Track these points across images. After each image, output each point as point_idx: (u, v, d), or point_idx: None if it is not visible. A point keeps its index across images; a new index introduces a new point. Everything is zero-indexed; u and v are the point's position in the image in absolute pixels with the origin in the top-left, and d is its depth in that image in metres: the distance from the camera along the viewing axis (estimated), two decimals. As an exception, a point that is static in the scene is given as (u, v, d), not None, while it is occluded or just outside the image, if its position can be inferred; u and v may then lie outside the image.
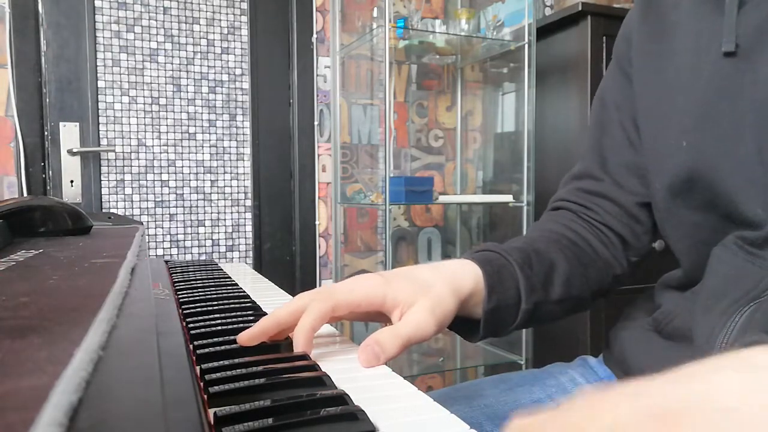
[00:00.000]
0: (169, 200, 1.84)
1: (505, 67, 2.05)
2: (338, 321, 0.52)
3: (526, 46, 1.77)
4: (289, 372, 0.39)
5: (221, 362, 0.39)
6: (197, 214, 1.87)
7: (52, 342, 0.23)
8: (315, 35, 1.93)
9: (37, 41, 1.66)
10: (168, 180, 1.83)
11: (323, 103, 1.95)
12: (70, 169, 1.72)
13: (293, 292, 0.59)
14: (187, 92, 1.85)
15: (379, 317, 0.52)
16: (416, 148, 2.08)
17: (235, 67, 1.90)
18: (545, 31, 1.82)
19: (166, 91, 1.82)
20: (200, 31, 1.86)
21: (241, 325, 0.48)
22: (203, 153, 1.87)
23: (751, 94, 0.48)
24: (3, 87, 1.60)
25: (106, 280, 0.35)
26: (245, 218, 1.93)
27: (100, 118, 1.74)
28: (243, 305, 0.57)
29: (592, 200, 0.66)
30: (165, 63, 1.81)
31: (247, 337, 0.44)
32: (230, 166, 1.91)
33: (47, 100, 1.68)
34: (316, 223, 1.95)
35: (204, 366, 0.38)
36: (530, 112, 1.78)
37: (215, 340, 0.45)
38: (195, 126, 1.86)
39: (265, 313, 0.55)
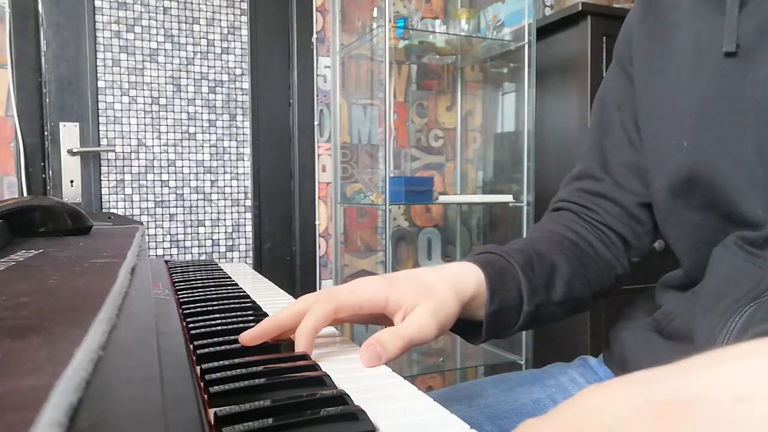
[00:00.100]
0: (169, 200, 1.84)
1: (505, 67, 2.05)
2: (340, 324, 0.52)
3: (526, 46, 1.77)
4: (290, 372, 0.39)
5: (221, 362, 0.39)
6: (197, 214, 1.87)
7: (52, 342, 0.23)
8: (315, 35, 1.93)
9: (37, 41, 1.66)
10: (168, 180, 1.83)
11: (323, 103, 1.95)
12: (70, 169, 1.71)
13: (293, 292, 0.59)
14: (187, 92, 1.85)
15: (382, 320, 0.52)
16: (416, 148, 2.08)
17: (235, 67, 1.90)
18: (545, 31, 1.82)
19: (166, 91, 1.82)
20: (200, 31, 1.86)
21: (241, 325, 0.48)
22: (203, 153, 1.87)
23: (751, 95, 0.48)
24: (3, 87, 1.60)
25: (106, 280, 0.35)
26: (245, 218, 1.93)
27: (100, 118, 1.74)
28: (243, 305, 0.57)
29: (593, 201, 0.66)
30: (165, 63, 1.81)
31: (248, 338, 0.44)
32: (230, 166, 1.91)
33: (47, 100, 1.68)
34: (316, 223, 1.95)
35: (204, 366, 0.38)
36: (530, 112, 1.78)
37: (215, 340, 0.45)
38: (195, 126, 1.86)
39: (265, 314, 0.55)
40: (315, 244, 1.95)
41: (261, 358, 0.41)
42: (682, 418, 0.18)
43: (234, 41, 1.90)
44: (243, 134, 1.92)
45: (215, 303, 0.58)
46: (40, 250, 0.50)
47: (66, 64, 1.69)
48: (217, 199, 1.90)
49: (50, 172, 1.69)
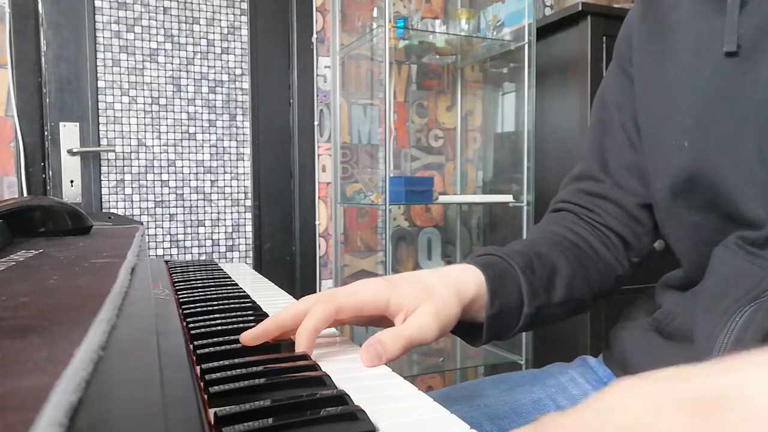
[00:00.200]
0: (169, 200, 1.84)
1: (505, 67, 2.05)
2: (341, 325, 0.52)
3: (526, 46, 1.77)
4: (290, 372, 0.39)
5: (221, 362, 0.39)
6: (197, 214, 1.87)
7: (52, 342, 0.23)
8: (315, 35, 1.93)
9: (37, 41, 1.66)
10: (168, 180, 1.83)
11: (323, 103, 1.95)
12: (70, 169, 1.71)
13: (293, 292, 0.59)
14: (187, 92, 1.85)
15: (383, 322, 0.52)
16: (416, 148, 2.08)
17: (235, 67, 1.90)
18: (545, 31, 1.82)
19: (166, 91, 1.82)
20: (200, 31, 1.86)
21: (241, 325, 0.48)
22: (203, 153, 1.87)
23: (752, 95, 0.48)
24: (3, 87, 1.60)
25: (106, 280, 0.35)
26: (245, 218, 1.93)
27: (100, 118, 1.74)
28: (243, 305, 0.57)
29: (593, 202, 0.66)
30: (165, 63, 1.81)
31: (249, 338, 0.44)
32: (230, 166, 1.91)
33: (47, 100, 1.68)
34: (316, 223, 1.95)
35: (204, 366, 0.38)
36: (530, 112, 1.78)
37: (215, 340, 0.45)
38: (195, 126, 1.86)
39: (265, 314, 0.55)
40: (315, 244, 1.95)
41: (261, 358, 0.41)
42: (715, 415, 0.18)
43: (234, 41, 1.90)
44: (243, 134, 1.92)
45: (215, 303, 0.58)
46: (40, 250, 0.50)
47: (66, 64, 1.69)
48: (217, 199, 1.90)
49: (50, 172, 1.69)
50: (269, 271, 1.90)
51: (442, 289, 0.51)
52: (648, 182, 0.61)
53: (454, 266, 0.56)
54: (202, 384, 0.36)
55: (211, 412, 0.31)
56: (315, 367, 0.40)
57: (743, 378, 0.20)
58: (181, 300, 0.59)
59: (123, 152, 1.78)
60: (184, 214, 1.85)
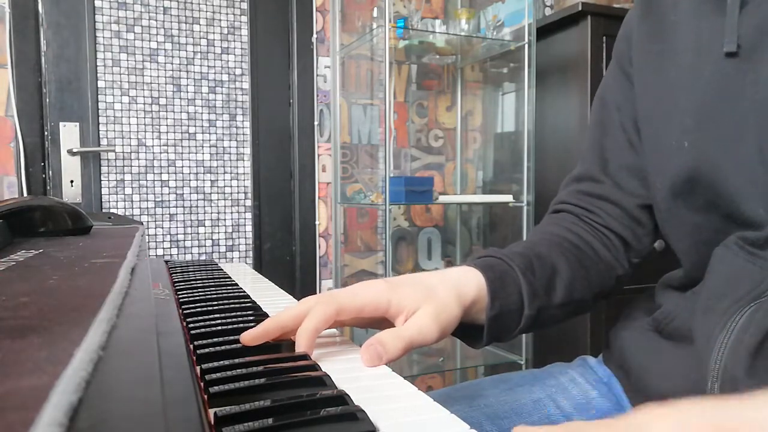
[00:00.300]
0: (169, 200, 1.84)
1: (505, 67, 2.05)
2: (342, 326, 0.52)
3: (526, 46, 1.77)
4: (290, 372, 0.39)
5: (221, 362, 0.39)
6: (197, 214, 1.87)
7: (52, 342, 0.23)
8: (315, 35, 1.93)
9: (37, 41, 1.66)
10: (168, 180, 1.83)
11: (323, 103, 1.95)
12: (70, 169, 1.71)
13: (293, 292, 0.59)
14: (187, 92, 1.85)
15: (383, 324, 0.52)
16: (416, 148, 2.08)
17: (235, 67, 1.90)
18: (545, 31, 1.82)
19: (166, 91, 1.82)
20: (200, 31, 1.86)
21: (242, 325, 0.48)
22: (203, 153, 1.87)
23: (752, 95, 0.48)
24: (3, 87, 1.60)
25: (106, 280, 0.35)
26: (245, 218, 1.93)
27: (100, 118, 1.74)
28: (243, 305, 0.57)
29: (593, 203, 0.66)
30: (165, 63, 1.81)
31: (250, 337, 0.44)
32: (230, 166, 1.91)
33: (47, 100, 1.68)
34: (316, 223, 1.95)
35: (204, 366, 0.38)
36: (530, 112, 1.78)
37: (215, 340, 0.45)
38: (195, 126, 1.86)
39: (265, 314, 0.55)
40: (315, 244, 1.95)
41: (261, 358, 0.41)
42: None
43: (234, 41, 1.90)
44: (243, 134, 1.92)
45: (215, 303, 0.58)
46: (40, 250, 0.50)
47: (66, 64, 1.69)
48: (217, 199, 1.90)
49: (50, 172, 1.69)
50: (269, 271, 1.90)
51: (442, 291, 0.51)
52: (648, 183, 0.61)
53: (454, 268, 0.56)
54: (202, 384, 0.36)
55: (211, 412, 0.31)
56: (315, 367, 0.40)
57: (765, 413, 0.21)
58: (181, 300, 0.59)
59: (123, 152, 1.78)
60: (184, 214, 1.85)
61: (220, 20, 1.88)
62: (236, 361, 0.40)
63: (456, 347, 2.06)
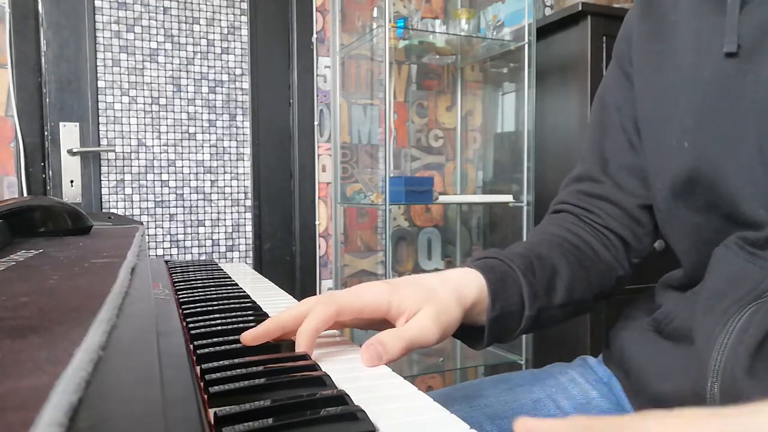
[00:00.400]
0: (169, 200, 1.84)
1: (505, 67, 2.05)
2: (342, 327, 0.52)
3: (526, 46, 1.77)
4: (290, 372, 0.39)
5: (221, 362, 0.39)
6: (197, 214, 1.87)
7: (52, 342, 0.23)
8: (315, 35, 1.93)
9: (37, 41, 1.66)
10: (168, 180, 1.83)
11: (323, 103, 1.95)
12: (70, 169, 1.71)
13: (293, 292, 0.59)
14: (187, 92, 1.85)
15: (384, 325, 0.52)
16: (416, 148, 2.08)
17: (235, 67, 1.90)
18: (545, 31, 1.82)
19: (166, 91, 1.82)
20: (200, 31, 1.86)
21: (242, 325, 0.48)
22: (203, 153, 1.87)
23: (752, 95, 0.48)
24: (3, 87, 1.60)
25: (106, 280, 0.35)
26: (245, 218, 1.93)
27: (100, 118, 1.74)
28: (243, 305, 0.57)
29: (593, 203, 0.66)
30: (165, 63, 1.81)
31: (250, 337, 0.44)
32: (230, 166, 1.91)
33: (47, 100, 1.68)
34: (316, 223, 1.95)
35: (204, 366, 0.38)
36: (530, 112, 1.78)
37: (215, 340, 0.45)
38: (195, 126, 1.86)
39: (265, 314, 0.55)
40: (315, 244, 1.95)
41: (261, 358, 0.41)
42: None
43: (234, 41, 1.90)
44: (243, 134, 1.92)
45: (215, 303, 0.58)
46: (40, 250, 0.50)
47: (66, 64, 1.69)
48: (217, 199, 1.90)
49: (50, 172, 1.69)
50: (269, 271, 1.90)
51: (443, 293, 0.51)
52: (648, 183, 0.61)
53: (454, 270, 0.56)
54: (202, 384, 0.36)
55: (211, 412, 0.31)
56: (315, 367, 0.40)
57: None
58: (181, 300, 0.59)
59: (123, 152, 1.78)
60: (184, 214, 1.85)
61: (220, 20, 1.88)
62: (236, 361, 0.40)
63: (456, 347, 2.06)
